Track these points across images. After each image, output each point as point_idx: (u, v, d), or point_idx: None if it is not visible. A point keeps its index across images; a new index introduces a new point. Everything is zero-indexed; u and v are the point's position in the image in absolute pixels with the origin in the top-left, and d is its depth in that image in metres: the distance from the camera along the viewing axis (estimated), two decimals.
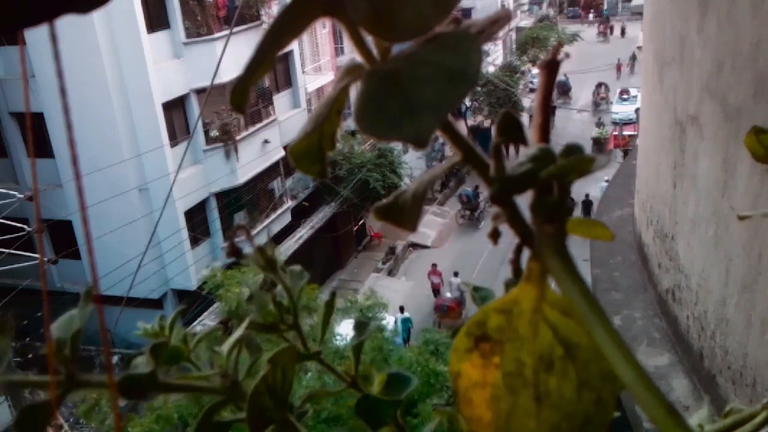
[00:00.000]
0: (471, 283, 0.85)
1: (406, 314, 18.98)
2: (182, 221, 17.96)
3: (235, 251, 0.72)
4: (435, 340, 12.06)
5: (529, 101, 29.49)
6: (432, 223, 25.39)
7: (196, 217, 18.91)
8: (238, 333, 0.73)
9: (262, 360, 0.73)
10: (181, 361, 0.75)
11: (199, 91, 18.15)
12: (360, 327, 0.87)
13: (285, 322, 0.78)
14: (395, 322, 18.47)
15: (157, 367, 0.61)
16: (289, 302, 0.78)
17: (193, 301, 16.34)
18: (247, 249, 0.76)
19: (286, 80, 22.56)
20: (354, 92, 0.35)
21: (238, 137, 19.30)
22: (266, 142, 20.56)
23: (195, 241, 18.86)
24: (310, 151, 0.39)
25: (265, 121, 20.57)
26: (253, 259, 0.77)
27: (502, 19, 0.40)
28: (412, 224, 0.38)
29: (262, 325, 0.76)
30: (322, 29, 23.36)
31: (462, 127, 27.26)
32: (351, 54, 0.36)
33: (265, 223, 19.66)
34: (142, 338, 0.79)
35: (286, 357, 0.67)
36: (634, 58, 38.05)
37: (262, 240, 0.81)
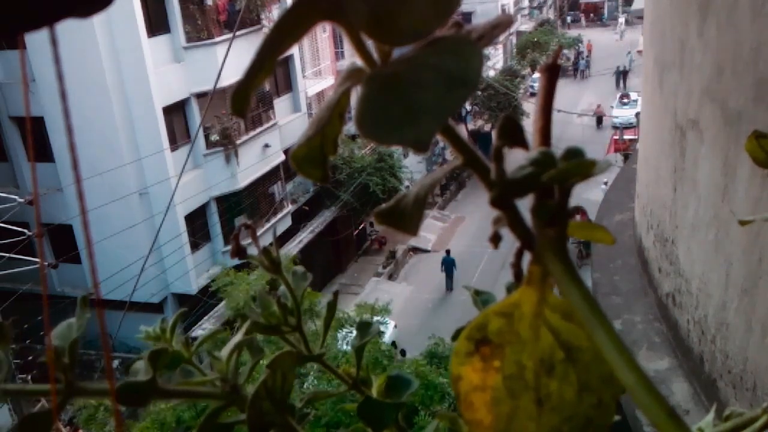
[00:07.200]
0: (472, 286, 0.84)
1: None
2: (182, 225, 17.95)
3: (239, 252, 0.71)
4: (438, 353, 11.82)
5: (529, 105, 29.51)
6: (432, 227, 25.38)
7: (196, 222, 18.91)
8: (236, 337, 0.72)
9: (264, 363, 0.73)
10: (183, 365, 0.74)
11: (200, 96, 18.16)
12: (362, 328, 0.86)
13: (288, 324, 0.78)
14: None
15: (156, 374, 0.60)
16: (293, 304, 0.78)
17: (193, 306, 16.33)
18: (251, 250, 0.76)
19: (287, 84, 22.58)
20: (355, 96, 0.35)
21: (238, 141, 19.31)
22: (267, 146, 20.56)
23: (195, 246, 18.85)
24: (312, 155, 0.39)
25: (266, 126, 20.58)
26: (258, 260, 0.76)
27: (502, 23, 0.40)
28: (414, 228, 0.38)
29: (264, 326, 0.76)
30: (323, 33, 23.38)
31: (462, 131, 27.20)
32: (351, 58, 0.36)
33: (265, 228, 19.65)
34: (142, 342, 0.78)
35: (286, 361, 0.67)
36: None
37: (262, 242, 0.80)
